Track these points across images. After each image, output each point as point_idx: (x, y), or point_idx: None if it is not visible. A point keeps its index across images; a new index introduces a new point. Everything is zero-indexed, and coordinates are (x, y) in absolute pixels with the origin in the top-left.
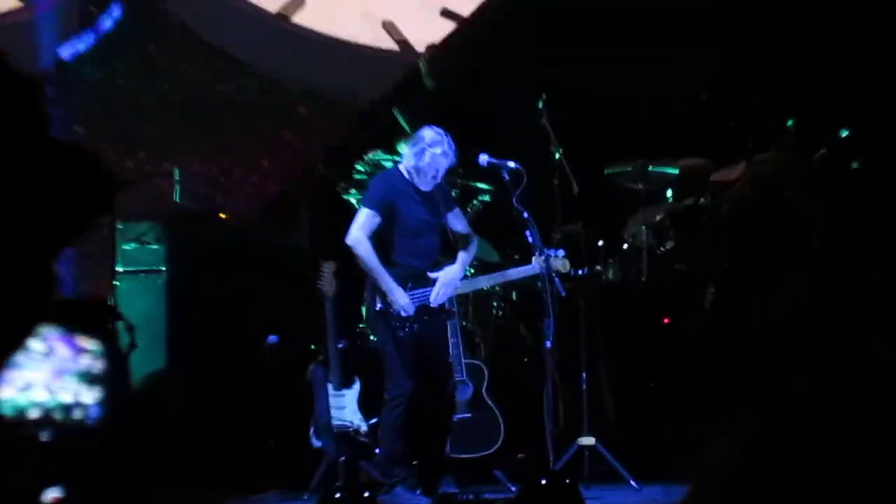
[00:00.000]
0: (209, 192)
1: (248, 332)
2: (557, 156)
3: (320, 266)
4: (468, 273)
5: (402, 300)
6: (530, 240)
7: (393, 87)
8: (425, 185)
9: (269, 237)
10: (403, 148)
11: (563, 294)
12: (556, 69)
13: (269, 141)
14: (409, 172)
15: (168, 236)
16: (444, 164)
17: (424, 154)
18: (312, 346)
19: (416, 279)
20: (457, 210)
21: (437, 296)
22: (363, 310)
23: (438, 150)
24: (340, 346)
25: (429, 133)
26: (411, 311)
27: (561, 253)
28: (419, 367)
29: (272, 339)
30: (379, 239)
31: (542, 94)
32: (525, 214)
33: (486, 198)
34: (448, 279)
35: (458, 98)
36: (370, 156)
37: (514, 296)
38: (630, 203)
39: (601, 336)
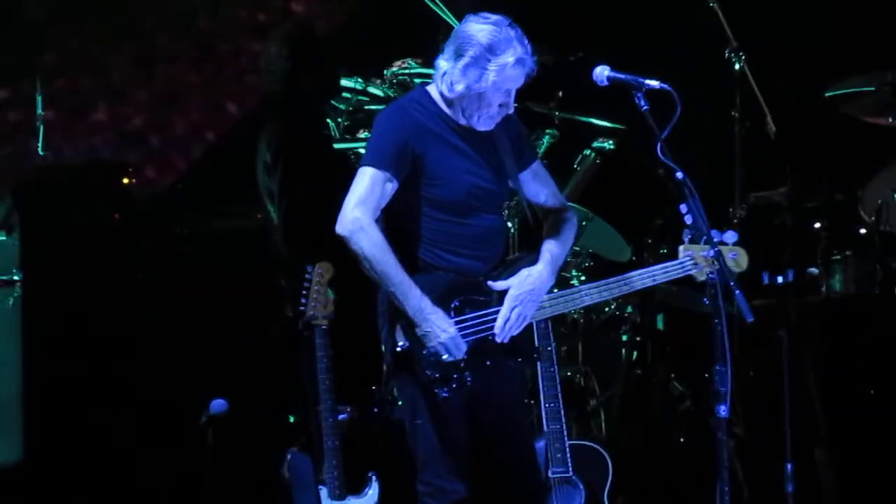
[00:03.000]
0: (104, 139)
1: (173, 390)
2: (738, 66)
3: (305, 272)
4: (572, 279)
5: (442, 333)
6: (688, 220)
7: None
8: (484, 123)
9: (211, 219)
10: (444, 56)
11: (751, 319)
12: None
13: (219, 51)
14: (446, 100)
15: (26, 220)
16: (520, 81)
17: (486, 69)
18: (291, 418)
19: (467, 292)
20: (536, 165)
21: (508, 322)
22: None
23: (510, 59)
24: (342, 417)
25: (483, 28)
26: (461, 351)
27: (731, 237)
28: (480, 454)
29: (218, 404)
30: (397, 221)
31: None
32: (679, 174)
33: (608, 144)
34: (526, 290)
35: None
36: (396, 69)
37: (658, 322)
38: (875, 151)
39: (821, 397)
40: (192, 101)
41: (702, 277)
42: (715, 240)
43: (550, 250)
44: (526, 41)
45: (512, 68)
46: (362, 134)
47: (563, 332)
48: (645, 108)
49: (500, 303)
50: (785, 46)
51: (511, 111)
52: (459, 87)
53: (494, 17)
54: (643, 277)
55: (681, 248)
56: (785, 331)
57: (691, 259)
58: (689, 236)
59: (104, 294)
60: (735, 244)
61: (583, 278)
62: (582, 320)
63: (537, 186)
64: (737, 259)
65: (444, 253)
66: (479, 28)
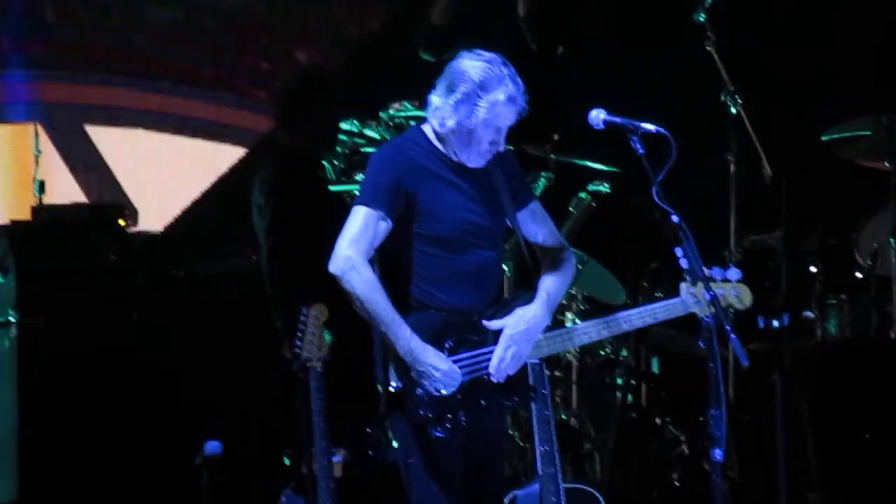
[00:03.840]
0: (99, 178)
1: (168, 433)
2: (734, 110)
3: (300, 313)
4: (566, 322)
5: (435, 371)
6: (683, 263)
7: None
8: (474, 159)
9: (205, 260)
10: (436, 91)
11: (746, 363)
12: None
13: (223, 99)
14: (439, 136)
15: (22, 261)
16: (511, 119)
17: (477, 106)
18: (286, 460)
19: (461, 332)
20: (534, 205)
21: (503, 361)
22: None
23: (501, 96)
24: (337, 459)
25: (476, 65)
26: (457, 381)
27: (734, 274)
28: (474, 495)
29: (212, 446)
30: (391, 259)
31: None
32: (674, 217)
33: (603, 187)
34: (521, 329)
35: None
36: (392, 111)
37: (654, 365)
38: (869, 195)
39: (815, 441)
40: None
41: (704, 314)
42: (718, 277)
43: (547, 290)
44: (519, 80)
45: (503, 106)
46: (358, 176)
47: (557, 375)
48: (641, 151)
49: (495, 342)
50: (781, 89)
51: (501, 149)
52: (450, 123)
53: (488, 55)
54: (643, 315)
55: (682, 284)
56: (780, 374)
57: (693, 296)
58: (689, 278)
59: (100, 335)
60: (739, 281)
61: (577, 321)
62: (577, 363)
63: (535, 226)
64: (739, 296)
65: (437, 291)
66: (472, 64)
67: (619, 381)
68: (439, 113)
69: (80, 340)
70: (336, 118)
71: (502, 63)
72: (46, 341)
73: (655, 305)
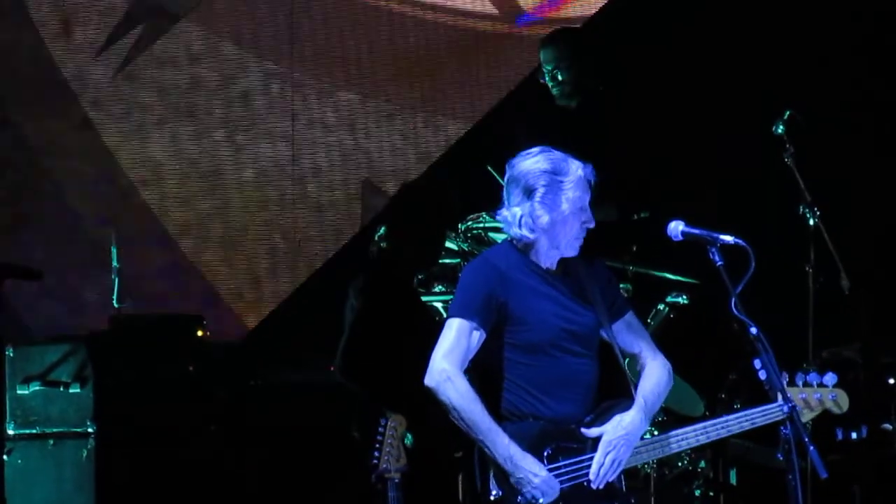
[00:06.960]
0: (179, 286)
1: None
2: (812, 222)
3: (379, 422)
4: (645, 434)
5: (535, 477)
6: (762, 375)
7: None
8: (570, 247)
9: (289, 371)
10: (513, 203)
11: (825, 475)
12: (810, 54)
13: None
14: (527, 245)
15: (100, 371)
16: (587, 193)
17: (562, 191)
18: None
19: (559, 440)
20: (629, 315)
21: (603, 467)
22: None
23: (579, 171)
24: None
25: (536, 159)
26: (556, 491)
27: (831, 378)
28: None
29: None
30: (485, 370)
31: (784, 107)
32: (752, 329)
33: (682, 299)
34: (620, 435)
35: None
36: (470, 223)
37: (732, 477)
38: None
39: None
40: None
41: (805, 419)
42: (814, 382)
43: (645, 397)
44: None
45: (583, 181)
46: (437, 287)
47: (637, 486)
48: (719, 263)
49: (594, 449)
50: (859, 201)
51: (592, 225)
52: (544, 220)
53: (535, 149)
54: (741, 420)
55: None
56: (858, 486)
57: (788, 405)
58: (787, 379)
59: (178, 447)
60: (835, 386)
61: (655, 432)
62: (654, 474)
63: (631, 337)
64: (837, 400)
65: (532, 399)
66: (534, 160)
67: (698, 492)
68: (527, 218)
69: (158, 452)
70: (443, 240)
71: (551, 150)
72: (124, 452)
73: (753, 411)
